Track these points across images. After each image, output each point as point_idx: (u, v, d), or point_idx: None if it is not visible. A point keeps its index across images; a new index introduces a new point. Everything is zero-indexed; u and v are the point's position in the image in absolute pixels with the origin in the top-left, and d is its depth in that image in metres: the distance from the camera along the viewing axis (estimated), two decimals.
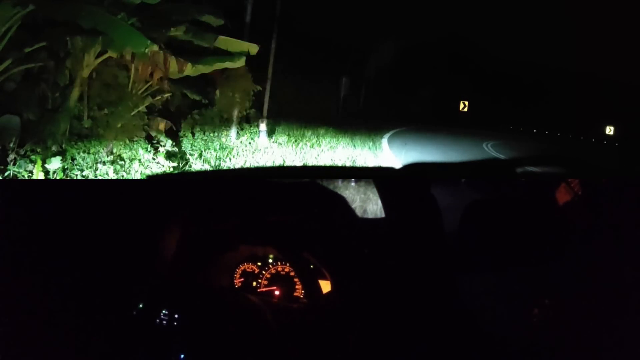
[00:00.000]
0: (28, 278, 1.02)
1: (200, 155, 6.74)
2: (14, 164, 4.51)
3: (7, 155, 4.57)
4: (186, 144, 7.39)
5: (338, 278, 2.10)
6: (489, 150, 15.17)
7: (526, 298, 2.08)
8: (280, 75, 11.91)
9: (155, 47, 5.27)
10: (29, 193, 1.00)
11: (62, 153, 5.08)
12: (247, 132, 9.38)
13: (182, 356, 1.11)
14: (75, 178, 4.74)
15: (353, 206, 4.18)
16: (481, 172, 9.64)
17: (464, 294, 2.03)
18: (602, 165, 15.64)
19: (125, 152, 5.74)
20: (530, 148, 19.26)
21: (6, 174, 4.38)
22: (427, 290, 2.02)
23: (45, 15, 4.91)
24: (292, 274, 2.29)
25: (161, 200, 1.01)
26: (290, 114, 13.09)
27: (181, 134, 7.71)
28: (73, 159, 5.11)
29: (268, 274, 2.32)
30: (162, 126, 7.38)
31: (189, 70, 6.42)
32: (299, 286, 2.26)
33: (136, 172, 5.26)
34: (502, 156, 13.63)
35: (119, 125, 5.83)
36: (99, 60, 5.61)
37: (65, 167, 4.88)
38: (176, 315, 1.61)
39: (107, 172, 5.03)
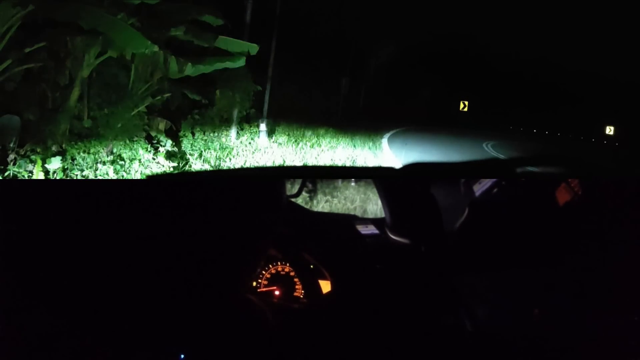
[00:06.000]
0: (28, 280, 1.02)
1: (200, 155, 6.74)
2: (14, 164, 4.51)
3: (7, 155, 4.57)
4: (186, 144, 7.39)
5: (338, 278, 2.10)
6: (489, 150, 15.17)
7: (526, 298, 2.07)
8: (281, 75, 11.90)
9: (155, 47, 5.27)
10: (29, 193, 1.00)
11: (62, 153, 5.08)
12: (247, 132, 9.38)
13: (182, 356, 1.11)
14: (75, 178, 4.74)
15: (353, 206, 4.19)
16: (481, 172, 9.63)
17: (464, 294, 2.03)
18: (602, 165, 15.64)
19: (125, 152, 5.74)
20: (530, 148, 19.26)
21: (6, 174, 4.38)
22: (427, 290, 2.02)
23: (45, 15, 4.91)
24: (292, 274, 2.29)
25: (161, 201, 1.01)
26: (290, 114, 13.08)
27: (181, 134, 7.71)
28: (73, 159, 5.11)
29: (268, 274, 2.32)
30: (162, 126, 7.39)
31: (189, 70, 6.42)
32: (299, 286, 2.26)
33: (136, 172, 5.26)
34: (502, 156, 13.63)
35: (119, 125, 5.83)
36: (99, 60, 5.61)
37: (65, 167, 4.88)
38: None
39: (107, 172, 5.03)
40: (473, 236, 2.27)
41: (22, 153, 4.78)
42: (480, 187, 2.55)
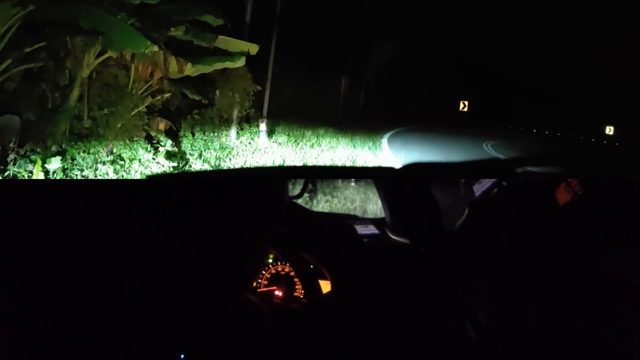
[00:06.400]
0: (27, 280, 1.02)
1: (200, 155, 6.74)
2: (14, 164, 4.51)
3: (7, 155, 4.58)
4: (186, 144, 7.39)
5: (338, 278, 2.10)
6: (489, 150, 15.17)
7: (526, 299, 2.07)
8: (280, 75, 11.90)
9: (155, 47, 5.28)
10: (29, 193, 1.00)
11: (62, 153, 5.09)
12: (247, 132, 9.39)
13: (182, 356, 1.11)
14: (75, 178, 4.74)
15: (353, 206, 4.18)
16: (481, 172, 9.64)
17: (464, 294, 2.03)
18: (602, 165, 15.64)
19: (125, 152, 5.74)
20: (530, 148, 19.26)
21: (6, 174, 4.38)
22: (427, 290, 2.02)
23: (45, 15, 4.91)
24: (292, 274, 2.29)
25: (161, 201, 1.01)
26: (290, 114, 13.09)
27: (181, 134, 7.71)
28: (73, 159, 5.11)
29: (268, 274, 2.32)
30: (162, 126, 7.38)
31: (189, 70, 6.42)
32: (299, 286, 2.26)
33: (136, 172, 5.26)
34: (502, 156, 13.64)
35: (119, 125, 5.83)
36: (99, 60, 5.61)
37: (65, 167, 4.88)
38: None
39: (107, 172, 5.03)
40: (473, 236, 2.27)
41: (22, 153, 4.78)
42: (480, 187, 2.56)
